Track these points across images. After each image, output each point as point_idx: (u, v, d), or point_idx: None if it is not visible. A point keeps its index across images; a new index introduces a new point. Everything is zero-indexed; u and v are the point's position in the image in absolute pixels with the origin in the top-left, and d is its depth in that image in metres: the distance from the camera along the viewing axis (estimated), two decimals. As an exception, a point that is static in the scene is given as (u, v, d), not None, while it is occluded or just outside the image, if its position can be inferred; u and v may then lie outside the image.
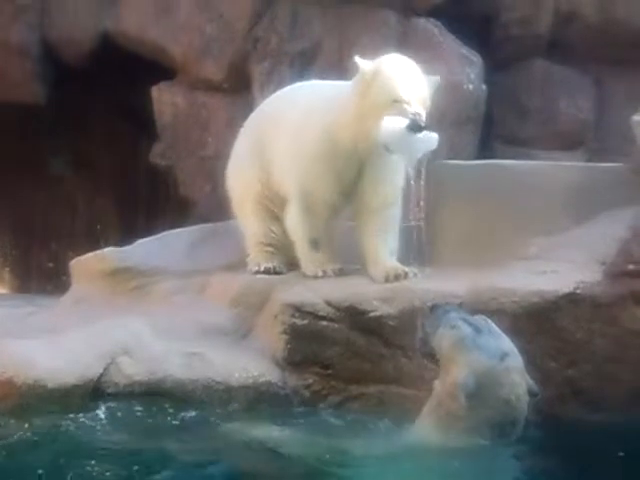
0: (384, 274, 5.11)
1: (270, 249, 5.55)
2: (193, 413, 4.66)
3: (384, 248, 5.25)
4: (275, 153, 5.52)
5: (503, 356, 4.08)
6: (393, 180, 5.32)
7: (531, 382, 4.15)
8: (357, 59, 5.14)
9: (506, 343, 4.15)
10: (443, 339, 4.19)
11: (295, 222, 5.36)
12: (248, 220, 5.66)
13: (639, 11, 8.31)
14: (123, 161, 9.22)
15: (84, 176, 9.39)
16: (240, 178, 5.73)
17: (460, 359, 4.07)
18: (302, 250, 5.35)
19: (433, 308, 4.33)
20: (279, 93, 5.86)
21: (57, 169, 9.23)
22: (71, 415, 4.53)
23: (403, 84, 5.03)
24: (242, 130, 5.88)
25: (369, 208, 5.31)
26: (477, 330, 4.14)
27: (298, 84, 5.87)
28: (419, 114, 4.94)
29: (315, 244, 5.32)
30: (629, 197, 5.17)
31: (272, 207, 5.60)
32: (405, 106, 4.97)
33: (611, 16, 8.33)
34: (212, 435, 4.41)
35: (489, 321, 4.23)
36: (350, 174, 5.29)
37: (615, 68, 8.35)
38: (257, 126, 5.74)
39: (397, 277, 5.08)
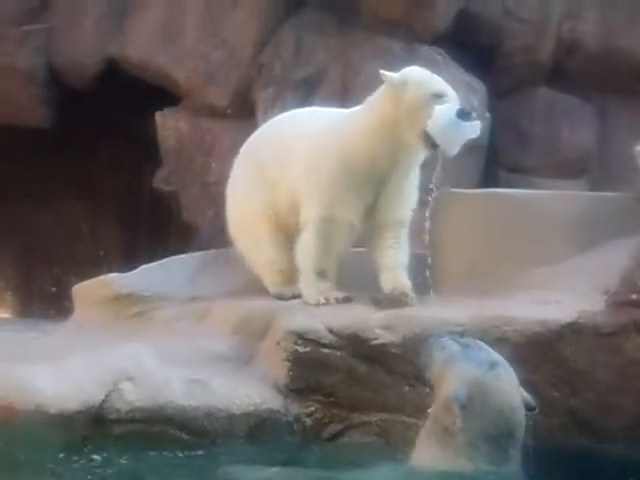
0: (392, 286, 5.18)
1: (289, 276, 5.48)
2: (194, 445, 4.64)
3: (398, 259, 5.31)
4: (282, 181, 5.50)
5: (492, 365, 4.06)
6: (409, 198, 5.40)
7: (527, 395, 4.13)
8: (382, 72, 5.21)
9: (496, 356, 4.13)
10: (435, 362, 4.18)
11: (307, 251, 5.33)
12: (261, 247, 5.56)
13: (641, 43, 8.37)
14: (127, 186, 9.26)
15: (88, 200, 9.42)
16: (247, 204, 5.65)
17: (450, 373, 4.07)
18: (307, 280, 5.33)
19: (427, 338, 4.33)
20: (277, 119, 5.86)
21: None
22: (70, 446, 4.51)
23: (438, 79, 5.17)
24: (240, 156, 5.83)
25: (384, 224, 5.36)
26: (466, 346, 4.14)
27: (296, 110, 5.90)
28: (462, 103, 5.08)
29: (322, 274, 5.31)
30: (632, 226, 5.17)
31: (287, 232, 5.52)
32: (446, 98, 5.07)
33: (614, 46, 8.39)
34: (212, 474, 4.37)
35: (478, 341, 4.22)
36: (370, 193, 5.33)
37: (618, 98, 8.40)
38: (257, 152, 5.70)
39: (401, 296, 5.13)
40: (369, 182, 5.32)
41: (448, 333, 4.35)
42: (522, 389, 4.14)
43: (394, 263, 5.30)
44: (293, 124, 5.65)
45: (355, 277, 5.36)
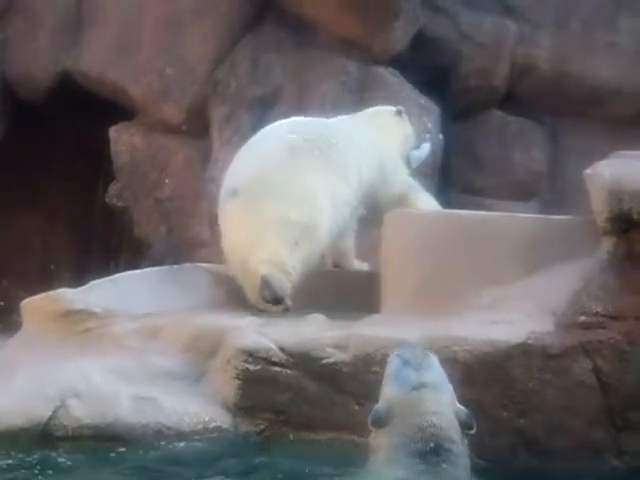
0: None
1: None
2: (140, 462, 4.60)
3: None
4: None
5: (418, 387, 4.07)
6: None
7: (464, 413, 4.12)
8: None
9: (430, 376, 4.13)
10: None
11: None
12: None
13: (593, 69, 8.54)
14: (79, 200, 9.19)
15: (39, 214, 9.32)
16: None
17: (380, 393, 4.10)
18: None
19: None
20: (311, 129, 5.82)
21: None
22: (15, 460, 4.45)
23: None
24: (300, 161, 5.64)
25: None
26: (405, 363, 4.15)
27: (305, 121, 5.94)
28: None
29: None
30: (581, 249, 5.23)
31: None
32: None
33: (566, 71, 8.54)
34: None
35: (430, 356, 4.22)
36: None
37: (570, 122, 8.54)
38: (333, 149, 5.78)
39: None
40: None
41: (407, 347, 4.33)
42: (461, 407, 4.14)
43: None
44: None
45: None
